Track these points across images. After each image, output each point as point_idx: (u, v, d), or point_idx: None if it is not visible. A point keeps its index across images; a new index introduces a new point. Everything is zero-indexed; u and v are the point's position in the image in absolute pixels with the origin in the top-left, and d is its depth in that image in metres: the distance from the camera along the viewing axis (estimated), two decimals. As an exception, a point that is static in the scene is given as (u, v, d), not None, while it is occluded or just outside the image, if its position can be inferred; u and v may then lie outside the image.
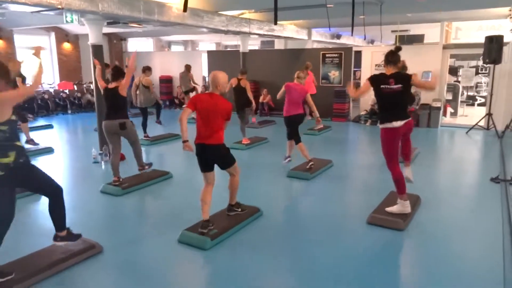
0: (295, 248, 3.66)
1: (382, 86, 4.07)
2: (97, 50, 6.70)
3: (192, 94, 11.04)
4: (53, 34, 12.97)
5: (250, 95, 7.79)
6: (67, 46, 13.42)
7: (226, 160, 3.95)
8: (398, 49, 4.17)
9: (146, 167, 5.74)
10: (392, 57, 4.12)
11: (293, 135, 6.00)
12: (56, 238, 3.40)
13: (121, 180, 5.34)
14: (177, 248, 3.65)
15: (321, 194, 5.19)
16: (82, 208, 4.75)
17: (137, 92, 8.22)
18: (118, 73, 5.29)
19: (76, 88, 13.14)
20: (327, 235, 3.95)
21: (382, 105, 4.21)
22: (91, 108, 12.34)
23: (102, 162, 6.55)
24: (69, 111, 12.69)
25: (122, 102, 5.26)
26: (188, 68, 11.09)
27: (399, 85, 4.04)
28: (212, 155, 3.81)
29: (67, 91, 12.91)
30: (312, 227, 4.16)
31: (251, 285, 3.08)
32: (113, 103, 5.27)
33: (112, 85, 5.24)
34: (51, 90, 12.71)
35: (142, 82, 8.17)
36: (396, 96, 4.07)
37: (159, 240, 3.85)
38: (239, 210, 4.24)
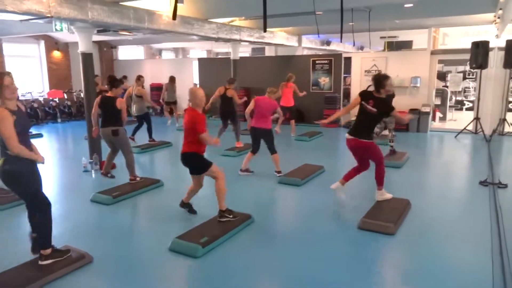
0: (287, 255, 3.67)
1: (363, 102, 4.53)
2: (87, 58, 6.68)
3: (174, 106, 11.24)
4: (42, 43, 12.91)
5: (238, 103, 8.02)
6: (56, 54, 13.35)
7: (196, 166, 4.33)
8: (385, 77, 4.57)
9: (138, 178, 5.75)
10: (378, 84, 4.52)
11: (256, 148, 6.18)
12: (40, 257, 3.31)
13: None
14: (169, 257, 3.63)
15: (312, 200, 5.21)
16: (72, 217, 4.70)
17: (131, 101, 8.30)
18: (115, 81, 5.70)
19: (66, 97, 13.06)
20: (318, 241, 3.96)
21: (356, 116, 4.70)
22: (81, 117, 12.27)
23: (92, 171, 6.50)
24: (59, 120, 12.60)
25: (116, 111, 5.60)
26: (172, 79, 11.09)
27: (375, 110, 4.44)
28: (184, 161, 4.33)
29: (57, 99, 12.82)
30: (303, 233, 4.17)
31: (243, 292, 3.07)
32: (108, 111, 5.65)
33: (110, 94, 5.67)
34: (41, 99, 12.61)
35: (134, 92, 8.26)
36: (366, 115, 4.52)
37: (150, 249, 3.83)
38: (231, 217, 4.25)
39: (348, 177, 4.99)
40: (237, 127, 8.15)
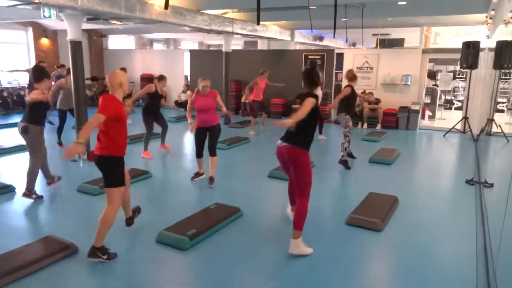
0: (274, 249, 3.66)
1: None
2: (76, 46, 6.55)
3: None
4: (30, 29, 12.64)
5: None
6: (45, 41, 13.09)
7: (105, 176, 3.33)
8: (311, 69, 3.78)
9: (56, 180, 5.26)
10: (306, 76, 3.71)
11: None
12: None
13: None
14: (155, 248, 3.60)
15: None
16: (58, 207, 4.63)
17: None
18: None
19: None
20: (306, 236, 3.95)
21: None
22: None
23: (80, 160, 6.42)
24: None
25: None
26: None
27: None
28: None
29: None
30: (291, 228, 4.16)
31: (230, 285, 3.06)
32: None
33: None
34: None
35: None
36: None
37: (137, 240, 3.79)
38: (105, 257, 3.30)
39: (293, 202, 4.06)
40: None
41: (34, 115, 4.68)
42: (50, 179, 5.17)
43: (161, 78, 6.98)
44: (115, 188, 3.30)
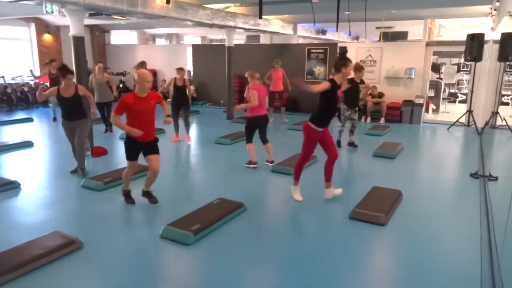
0: (277, 243, 3.67)
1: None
2: (78, 42, 6.55)
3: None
4: (33, 25, 12.65)
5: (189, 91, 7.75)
6: (47, 37, 13.10)
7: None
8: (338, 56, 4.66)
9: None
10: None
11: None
12: None
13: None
14: (160, 243, 3.62)
15: (304, 190, 5.20)
16: (62, 203, 4.66)
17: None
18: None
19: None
20: (310, 230, 3.97)
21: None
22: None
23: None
24: (50, 104, 12.38)
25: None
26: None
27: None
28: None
29: (47, 83, 12.60)
30: (295, 222, 4.18)
31: (234, 279, 3.08)
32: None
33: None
34: (31, 83, 12.40)
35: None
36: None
37: (141, 235, 3.81)
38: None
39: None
40: (187, 122, 8.00)
41: (61, 110, 5.35)
42: (76, 168, 5.61)
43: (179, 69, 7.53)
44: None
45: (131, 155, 4.29)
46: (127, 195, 4.56)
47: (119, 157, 6.64)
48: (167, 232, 3.70)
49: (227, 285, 2.98)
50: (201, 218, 3.92)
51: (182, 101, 7.58)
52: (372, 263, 3.46)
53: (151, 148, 4.26)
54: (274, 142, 6.39)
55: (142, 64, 8.51)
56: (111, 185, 5.06)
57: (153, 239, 3.68)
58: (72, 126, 5.41)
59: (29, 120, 10.00)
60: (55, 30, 13.26)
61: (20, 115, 10.78)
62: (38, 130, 9.10)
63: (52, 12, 6.01)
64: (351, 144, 7.41)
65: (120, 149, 7.28)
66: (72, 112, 5.33)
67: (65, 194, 4.93)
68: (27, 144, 7.36)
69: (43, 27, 12.86)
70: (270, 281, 3.10)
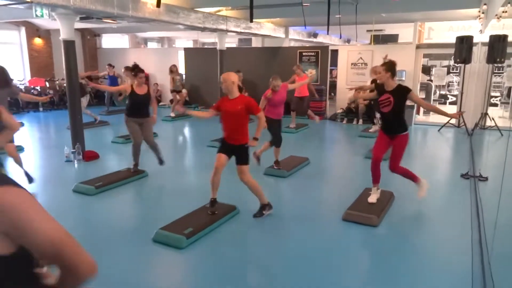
0: (271, 246, 3.68)
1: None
2: (69, 46, 6.52)
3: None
4: (23, 29, 12.55)
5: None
6: (38, 41, 13.00)
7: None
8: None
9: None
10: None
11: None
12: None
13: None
14: (152, 248, 3.60)
15: (297, 192, 5.23)
16: (53, 208, 4.60)
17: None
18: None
19: (48, 85, 12.76)
20: (303, 232, 3.98)
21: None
22: (64, 106, 12.02)
23: (75, 160, 6.40)
24: (41, 109, 12.31)
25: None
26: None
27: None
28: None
29: (38, 88, 12.52)
30: (288, 225, 4.19)
31: (227, 282, 3.07)
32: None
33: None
34: (22, 87, 12.28)
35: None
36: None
37: (134, 240, 3.79)
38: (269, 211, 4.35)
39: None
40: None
41: (130, 107, 5.56)
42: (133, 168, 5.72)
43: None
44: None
45: (219, 149, 4.26)
46: (212, 203, 4.25)
47: (111, 161, 6.61)
48: (160, 236, 3.68)
49: (220, 288, 2.98)
50: (193, 222, 3.91)
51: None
52: (365, 265, 3.48)
53: (238, 156, 4.21)
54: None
55: (135, 67, 8.58)
56: (102, 189, 5.03)
57: (146, 243, 3.66)
58: (140, 122, 5.58)
59: (20, 125, 9.89)
60: (46, 34, 13.17)
61: (26, 118, 10.68)
62: (29, 135, 9.01)
63: (42, 16, 5.96)
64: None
65: (111, 153, 7.25)
66: (142, 109, 5.57)
67: (57, 199, 4.89)
68: (18, 149, 7.26)
69: (33, 31, 12.77)
70: (263, 284, 3.11)
